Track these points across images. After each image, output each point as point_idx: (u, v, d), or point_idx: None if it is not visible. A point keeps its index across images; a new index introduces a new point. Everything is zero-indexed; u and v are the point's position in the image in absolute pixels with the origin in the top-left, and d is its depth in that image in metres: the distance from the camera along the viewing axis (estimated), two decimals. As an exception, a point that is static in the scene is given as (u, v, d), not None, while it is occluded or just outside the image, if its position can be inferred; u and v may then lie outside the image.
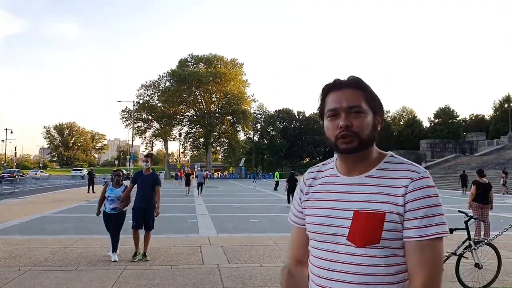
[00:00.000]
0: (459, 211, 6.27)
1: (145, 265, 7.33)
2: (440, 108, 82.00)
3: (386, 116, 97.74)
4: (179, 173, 49.08)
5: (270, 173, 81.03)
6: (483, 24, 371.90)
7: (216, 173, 78.95)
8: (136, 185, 8.13)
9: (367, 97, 1.50)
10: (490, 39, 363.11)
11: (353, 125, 1.45)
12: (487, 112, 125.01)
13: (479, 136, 70.28)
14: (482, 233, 10.10)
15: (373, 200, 1.43)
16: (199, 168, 54.13)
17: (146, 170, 8.19)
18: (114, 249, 7.89)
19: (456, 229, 5.65)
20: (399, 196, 1.40)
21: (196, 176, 32.15)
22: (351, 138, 1.45)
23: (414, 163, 1.49)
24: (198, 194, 27.13)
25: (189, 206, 19.06)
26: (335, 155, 1.62)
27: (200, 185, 28.63)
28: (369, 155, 1.51)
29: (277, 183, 33.78)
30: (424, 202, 1.39)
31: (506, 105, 72.59)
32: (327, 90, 1.54)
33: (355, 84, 1.51)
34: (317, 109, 1.61)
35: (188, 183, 29.37)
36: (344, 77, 1.54)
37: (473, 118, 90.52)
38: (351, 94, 1.48)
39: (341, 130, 1.45)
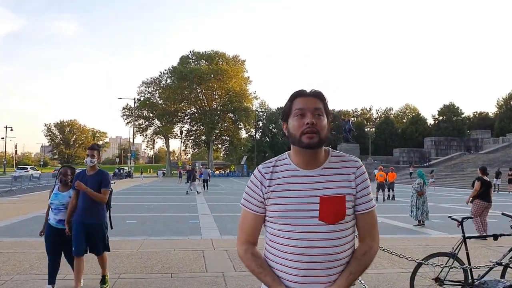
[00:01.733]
0: (503, 213, 5.45)
1: (142, 273, 6.54)
2: (444, 105, 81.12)
3: (389, 113, 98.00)
4: (182, 171, 48.35)
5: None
6: (487, 20, 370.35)
7: (217, 171, 78.04)
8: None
9: (325, 106, 1.88)
10: (492, 36, 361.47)
11: (317, 124, 1.80)
12: (490, 109, 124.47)
13: (484, 133, 69.42)
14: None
15: (333, 187, 1.83)
16: (201, 166, 53.59)
17: (91, 168, 5.48)
18: (52, 280, 5.50)
19: (502, 235, 4.87)
20: (352, 181, 1.86)
21: (201, 173, 32.65)
22: (314, 134, 1.79)
23: (349, 155, 1.95)
24: (205, 190, 28.79)
25: (190, 205, 18.29)
26: (286, 153, 1.98)
27: (205, 181, 30.26)
28: (321, 151, 1.88)
29: None
30: (366, 183, 1.90)
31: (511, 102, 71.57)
32: (295, 96, 1.90)
33: (317, 95, 1.89)
34: (281, 112, 1.97)
35: (191, 179, 28.87)
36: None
37: (476, 115, 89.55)
38: (315, 101, 1.85)
39: (307, 126, 1.79)
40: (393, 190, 22.97)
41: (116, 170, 63.99)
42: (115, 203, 19.47)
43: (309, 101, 1.84)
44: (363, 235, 1.90)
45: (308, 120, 1.79)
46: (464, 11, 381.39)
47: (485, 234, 9.08)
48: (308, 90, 1.90)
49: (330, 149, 1.94)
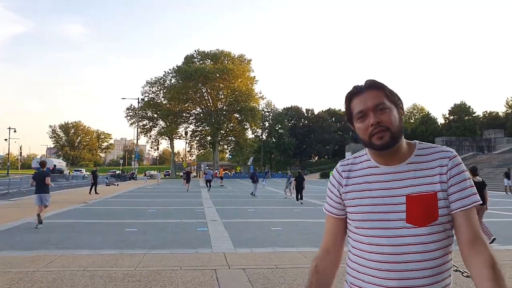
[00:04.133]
0: None
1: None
2: (455, 104, 79.48)
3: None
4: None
5: (280, 172, 78.91)
6: (491, 18, 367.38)
7: (223, 171, 76.52)
8: None
9: (387, 94, 1.63)
10: (499, 35, 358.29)
11: (382, 121, 1.58)
12: (500, 109, 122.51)
13: (497, 133, 67.68)
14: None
15: (422, 183, 1.57)
16: (207, 167, 52.99)
17: None
18: None
19: None
20: (444, 174, 1.58)
21: (205, 174, 35.52)
22: (383, 133, 1.57)
23: (441, 145, 1.67)
24: (208, 190, 30.34)
25: (197, 210, 16.83)
26: (365, 149, 1.74)
27: (208, 181, 32.48)
28: (402, 145, 1.63)
29: None
30: (461, 176, 1.58)
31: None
32: (350, 97, 1.68)
33: (373, 85, 1.64)
34: (346, 118, 1.75)
35: (188, 180, 32.60)
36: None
37: (486, 115, 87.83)
38: (373, 95, 1.61)
39: (373, 127, 1.58)
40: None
41: (109, 173, 64.43)
42: (115, 207, 18.15)
43: (366, 98, 1.61)
44: (461, 237, 1.56)
45: (372, 121, 1.58)
46: (467, 10, 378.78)
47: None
48: (362, 84, 1.67)
49: (417, 141, 1.69)
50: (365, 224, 1.62)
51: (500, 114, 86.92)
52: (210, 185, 32.31)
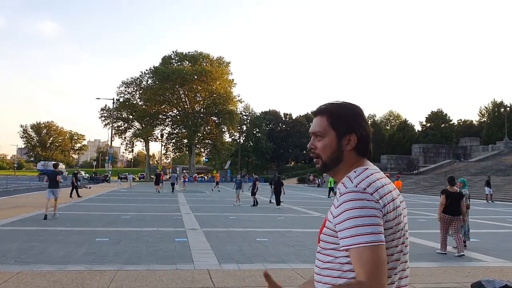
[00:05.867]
0: None
1: None
2: (432, 111, 79.97)
3: (372, 120, 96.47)
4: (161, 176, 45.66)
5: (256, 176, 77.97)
6: (469, 32, 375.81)
7: (198, 175, 75.21)
8: None
9: (332, 120, 1.64)
10: (472, 46, 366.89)
11: (316, 148, 1.66)
12: (473, 117, 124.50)
13: (473, 141, 68.42)
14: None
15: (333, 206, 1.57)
16: (184, 171, 51.99)
17: None
18: None
19: None
20: (336, 208, 1.53)
21: (170, 177, 38.11)
22: (317, 159, 1.67)
23: (354, 179, 1.54)
24: (172, 193, 32.39)
25: (174, 217, 15.74)
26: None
27: (172, 185, 35.14)
28: (341, 172, 1.64)
29: (331, 189, 31.07)
30: (341, 217, 1.47)
31: (502, 109, 70.71)
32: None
33: (318, 112, 1.70)
34: None
35: (157, 183, 34.73)
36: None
37: (461, 123, 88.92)
38: (317, 121, 1.68)
39: (311, 151, 1.69)
40: (398, 200, 20.88)
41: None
42: (86, 212, 16.84)
43: (314, 122, 1.71)
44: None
45: (308, 144, 1.70)
46: (444, 21, 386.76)
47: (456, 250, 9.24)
48: (322, 106, 1.72)
49: (361, 168, 1.60)
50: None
51: (474, 122, 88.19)
52: (173, 188, 34.68)
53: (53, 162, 23.05)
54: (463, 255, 9.09)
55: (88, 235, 10.95)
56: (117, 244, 9.69)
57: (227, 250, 9.18)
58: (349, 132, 1.62)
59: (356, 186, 1.50)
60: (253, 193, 22.27)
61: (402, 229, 1.55)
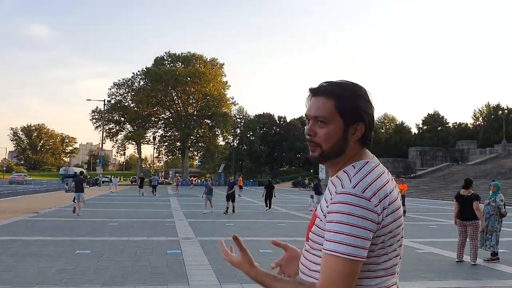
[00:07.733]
0: None
1: None
2: (429, 114, 79.24)
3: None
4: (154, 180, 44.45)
5: (251, 180, 76.66)
6: (464, 35, 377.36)
7: (194, 179, 73.75)
8: None
9: (339, 106, 1.43)
10: (465, 49, 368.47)
11: (316, 135, 1.44)
12: (467, 120, 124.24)
13: (470, 144, 67.62)
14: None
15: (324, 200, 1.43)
16: (176, 175, 51.08)
17: None
18: None
19: None
20: (329, 204, 1.38)
21: (150, 181, 37.62)
22: (314, 147, 1.45)
23: (353, 177, 1.38)
24: (153, 195, 33.62)
25: (166, 224, 14.43)
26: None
27: (154, 187, 35.49)
28: (339, 164, 1.46)
29: None
30: (331, 216, 1.34)
31: (500, 112, 70.06)
32: (309, 95, 1.53)
33: (327, 92, 1.45)
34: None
35: (141, 186, 36.10)
36: (331, 79, 1.51)
37: (456, 126, 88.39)
38: (321, 103, 1.44)
39: (309, 137, 1.47)
40: (404, 205, 19.71)
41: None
42: (69, 219, 15.48)
43: (313, 104, 1.47)
44: None
45: (306, 130, 1.48)
46: (439, 23, 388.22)
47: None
48: (324, 83, 1.48)
49: (361, 161, 1.43)
50: None
51: (469, 125, 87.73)
52: (155, 191, 35.19)
53: (79, 170, 27.01)
54: (475, 264, 8.59)
55: (67, 246, 9.62)
56: (100, 258, 8.37)
57: (228, 265, 7.81)
58: (357, 120, 1.43)
59: (354, 187, 1.34)
60: (228, 198, 19.57)
61: (402, 230, 1.42)
